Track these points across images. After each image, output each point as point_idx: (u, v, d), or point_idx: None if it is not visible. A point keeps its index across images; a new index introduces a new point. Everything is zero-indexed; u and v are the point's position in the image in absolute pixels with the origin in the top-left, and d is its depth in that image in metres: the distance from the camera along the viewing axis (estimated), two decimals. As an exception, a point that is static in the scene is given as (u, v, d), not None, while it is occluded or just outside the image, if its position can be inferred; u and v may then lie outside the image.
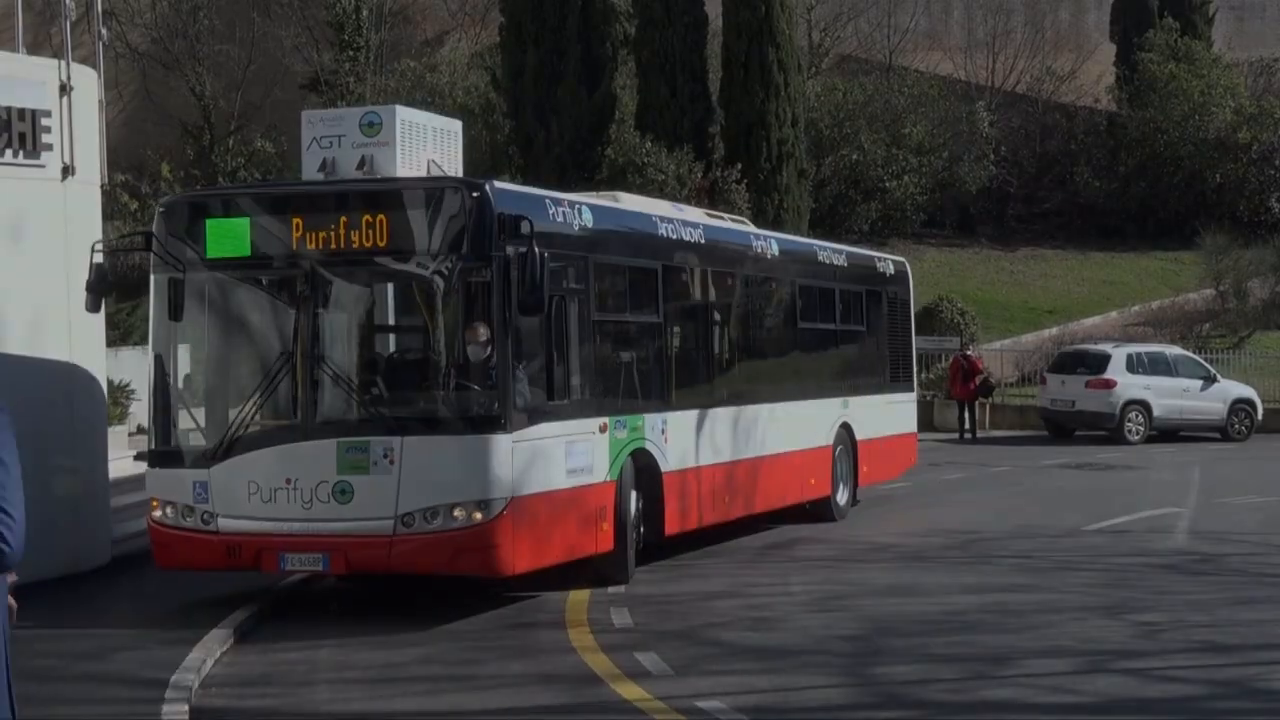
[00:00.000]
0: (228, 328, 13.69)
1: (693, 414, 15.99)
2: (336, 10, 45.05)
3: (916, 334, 37.19)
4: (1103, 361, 33.30)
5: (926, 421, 35.65)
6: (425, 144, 13.98)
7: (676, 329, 16.09)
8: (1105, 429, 32.89)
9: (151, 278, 13.41)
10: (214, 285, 13.40)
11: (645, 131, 40.05)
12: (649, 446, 14.92)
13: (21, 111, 14.63)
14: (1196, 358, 35.44)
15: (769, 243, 18.63)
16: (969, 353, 34.84)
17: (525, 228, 12.33)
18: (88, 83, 15.56)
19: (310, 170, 13.76)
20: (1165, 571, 15.62)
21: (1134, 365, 33.16)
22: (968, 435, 33.92)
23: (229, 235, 13.05)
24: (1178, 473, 26.23)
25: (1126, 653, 11.51)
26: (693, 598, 14.12)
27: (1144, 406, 32.83)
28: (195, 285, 13.32)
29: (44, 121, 14.80)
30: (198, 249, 13.12)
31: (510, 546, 12.50)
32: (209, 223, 13.17)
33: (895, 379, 22.27)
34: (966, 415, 34.29)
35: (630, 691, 10.26)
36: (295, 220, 12.86)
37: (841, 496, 19.91)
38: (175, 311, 13.31)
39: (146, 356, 13.80)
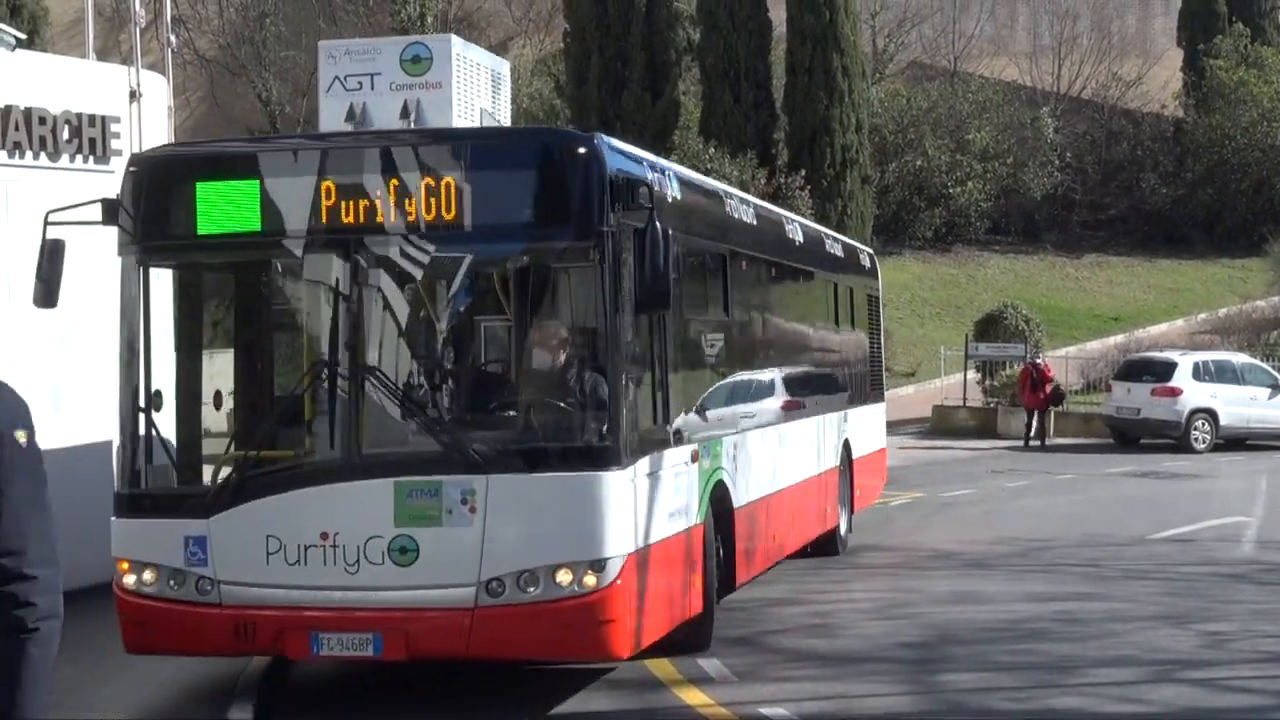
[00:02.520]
0: (229, 328, 10.90)
1: (758, 434, 13.27)
2: (402, 16, 45.40)
3: (980, 340, 37.47)
4: (1169, 369, 33.01)
5: (990, 429, 35.57)
6: (481, 88, 11.01)
7: (740, 330, 13.13)
8: (1171, 437, 32.61)
9: (119, 261, 9.92)
10: (208, 272, 10.61)
11: (709, 138, 40.14)
12: (724, 476, 11.84)
13: (92, 117, 14.79)
14: (1264, 365, 35.08)
15: (795, 227, 15.71)
16: (1039, 361, 34.64)
17: (644, 196, 9.43)
18: (157, 89, 15.73)
19: (333, 120, 10.62)
20: (1233, 581, 15.47)
21: (1200, 373, 32.86)
22: (1034, 443, 33.72)
23: (230, 204, 9.63)
24: (1245, 481, 25.97)
25: (1194, 662, 11.41)
26: (755, 604, 14.05)
27: (1210, 415, 32.52)
28: (181, 272, 10.34)
29: (113, 127, 14.96)
30: (184, 223, 9.75)
31: (627, 620, 9.48)
32: (200, 187, 9.70)
33: (874, 386, 19.52)
34: (1035, 423, 34.08)
35: (693, 697, 10.25)
36: (325, 185, 9.49)
37: (844, 525, 17.13)
38: (151, 307, 9.92)
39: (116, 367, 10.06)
